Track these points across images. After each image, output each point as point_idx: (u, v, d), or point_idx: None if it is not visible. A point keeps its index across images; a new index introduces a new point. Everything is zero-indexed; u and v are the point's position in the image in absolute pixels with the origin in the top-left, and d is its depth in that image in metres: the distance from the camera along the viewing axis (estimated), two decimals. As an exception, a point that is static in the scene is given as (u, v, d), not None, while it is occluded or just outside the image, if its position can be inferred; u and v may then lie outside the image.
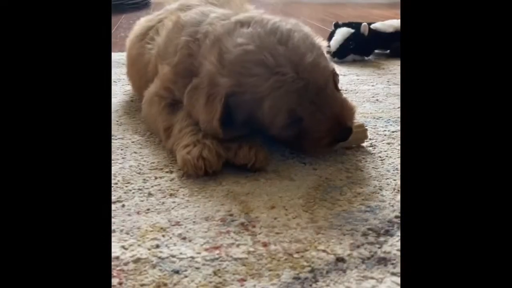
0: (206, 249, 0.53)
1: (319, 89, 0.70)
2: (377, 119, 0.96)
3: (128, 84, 1.15)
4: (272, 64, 0.68)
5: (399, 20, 1.40)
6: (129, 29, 1.08)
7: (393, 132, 0.89)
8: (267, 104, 0.69)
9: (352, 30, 1.43)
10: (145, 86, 0.88)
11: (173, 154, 0.75)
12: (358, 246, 0.54)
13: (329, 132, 0.71)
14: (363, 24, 1.44)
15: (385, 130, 0.90)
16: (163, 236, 0.56)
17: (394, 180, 0.70)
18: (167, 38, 0.85)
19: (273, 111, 0.69)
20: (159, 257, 0.52)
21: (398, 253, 0.53)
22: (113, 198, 0.64)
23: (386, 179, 0.70)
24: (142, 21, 1.02)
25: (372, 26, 1.47)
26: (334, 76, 0.76)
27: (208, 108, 0.71)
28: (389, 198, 0.65)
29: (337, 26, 1.48)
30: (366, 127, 0.82)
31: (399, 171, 0.72)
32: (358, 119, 0.95)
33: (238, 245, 0.54)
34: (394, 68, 1.38)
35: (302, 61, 0.69)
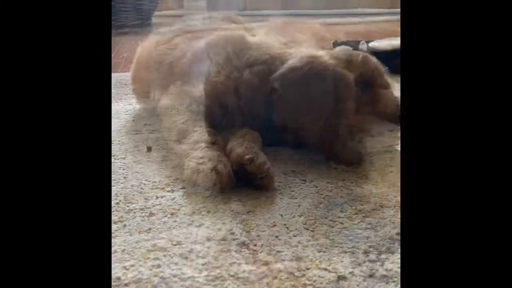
0: (207, 269, 0.53)
1: None
2: (377, 135, 0.97)
3: (130, 104, 1.17)
4: None
5: (397, 38, 1.42)
6: (130, 50, 1.10)
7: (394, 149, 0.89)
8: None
9: (351, 49, 1.44)
10: (167, 81, 0.91)
11: (180, 160, 0.76)
12: (359, 264, 0.54)
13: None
14: (361, 42, 1.45)
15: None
16: (164, 256, 0.56)
17: (395, 196, 0.70)
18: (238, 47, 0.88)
19: None
20: (161, 277, 0.52)
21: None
22: (115, 218, 0.64)
23: (386, 195, 0.71)
24: (166, 31, 1.09)
25: (370, 44, 1.49)
26: None
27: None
28: (389, 215, 0.65)
29: (335, 44, 1.50)
30: None
31: (399, 188, 0.72)
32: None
33: (239, 264, 0.54)
34: (393, 85, 1.39)
35: None
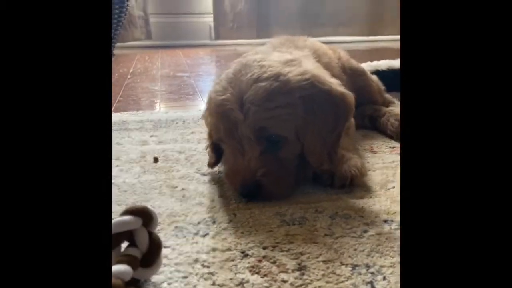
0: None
1: None
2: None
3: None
4: None
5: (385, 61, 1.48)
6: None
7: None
8: None
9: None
10: None
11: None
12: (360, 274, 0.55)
13: None
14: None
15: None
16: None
17: (397, 211, 0.71)
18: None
19: None
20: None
21: None
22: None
23: (388, 210, 0.72)
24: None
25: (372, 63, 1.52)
26: None
27: None
28: (394, 228, 0.66)
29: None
30: None
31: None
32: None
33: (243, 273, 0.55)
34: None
35: None
